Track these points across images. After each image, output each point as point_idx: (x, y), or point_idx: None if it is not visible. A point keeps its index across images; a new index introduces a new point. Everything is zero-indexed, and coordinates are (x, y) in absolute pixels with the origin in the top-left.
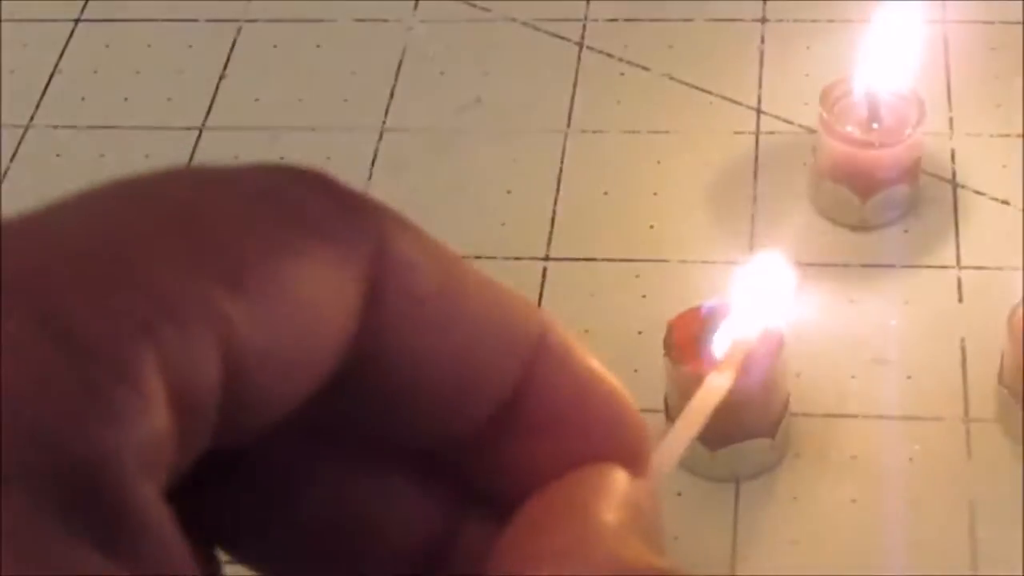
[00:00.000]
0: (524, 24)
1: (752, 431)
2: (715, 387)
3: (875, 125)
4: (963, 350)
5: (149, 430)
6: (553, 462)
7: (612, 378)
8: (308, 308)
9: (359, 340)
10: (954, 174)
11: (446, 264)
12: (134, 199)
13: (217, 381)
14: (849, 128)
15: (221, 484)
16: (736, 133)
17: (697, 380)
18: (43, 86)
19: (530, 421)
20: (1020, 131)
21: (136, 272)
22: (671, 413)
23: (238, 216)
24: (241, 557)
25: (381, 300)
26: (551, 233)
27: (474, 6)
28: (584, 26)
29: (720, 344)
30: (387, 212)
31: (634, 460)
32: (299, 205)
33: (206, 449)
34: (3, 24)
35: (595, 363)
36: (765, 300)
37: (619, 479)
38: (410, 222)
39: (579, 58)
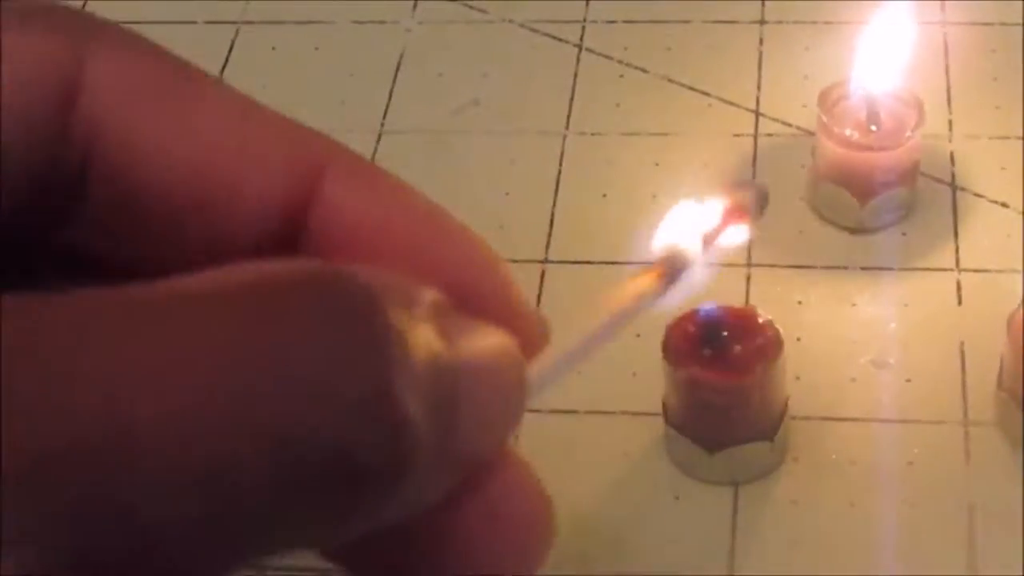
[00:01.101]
0: (522, 26)
1: (751, 434)
2: (638, 287)
3: (873, 128)
4: (962, 353)
5: None
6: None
7: (425, 200)
8: None
9: (76, 130)
10: (953, 176)
11: (166, 66)
12: None
13: None
14: (848, 131)
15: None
16: (735, 135)
17: (695, 383)
18: None
19: (326, 240)
20: (1019, 133)
21: None
22: (669, 416)
23: None
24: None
25: (86, 93)
26: (550, 235)
27: (472, 8)
28: (583, 28)
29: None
30: (101, 23)
31: (461, 270)
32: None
33: None
34: None
35: (401, 184)
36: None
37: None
38: (139, 39)
39: (578, 59)
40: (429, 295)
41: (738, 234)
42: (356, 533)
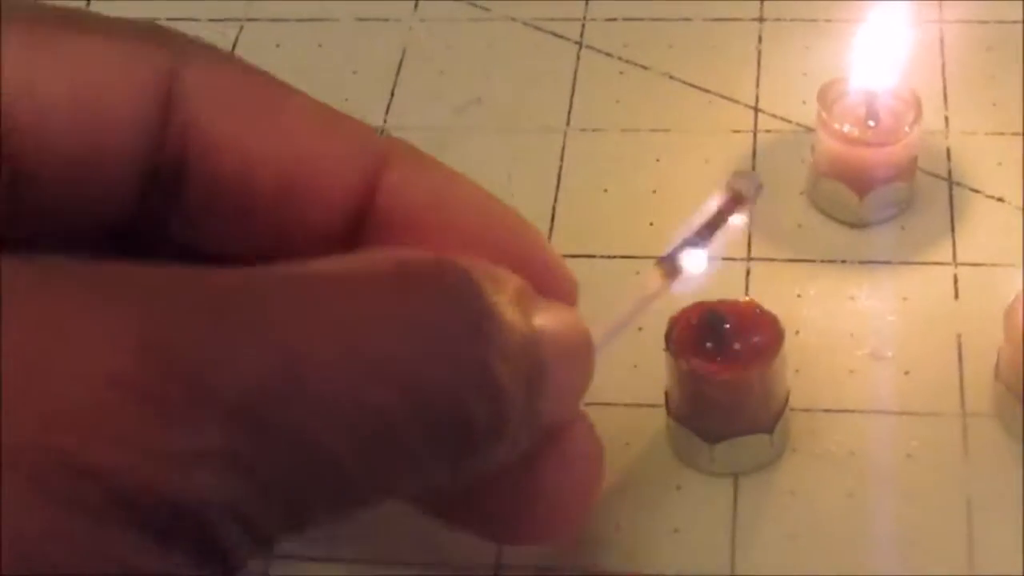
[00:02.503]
0: (524, 24)
1: (751, 427)
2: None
3: (871, 124)
4: (959, 345)
5: None
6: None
7: (475, 186)
8: (75, 66)
9: (174, 130)
10: (950, 172)
11: (252, 76)
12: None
13: None
14: (846, 127)
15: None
16: (734, 131)
17: (697, 376)
18: None
19: (391, 222)
20: (1015, 129)
21: None
22: (672, 408)
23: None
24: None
25: (182, 99)
26: (551, 230)
27: (474, 5)
28: (583, 25)
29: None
30: (197, 41)
31: (514, 249)
32: (102, 16)
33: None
34: None
35: (456, 173)
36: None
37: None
38: (230, 56)
39: (578, 57)
40: (513, 281)
41: (737, 221)
42: (466, 479)
